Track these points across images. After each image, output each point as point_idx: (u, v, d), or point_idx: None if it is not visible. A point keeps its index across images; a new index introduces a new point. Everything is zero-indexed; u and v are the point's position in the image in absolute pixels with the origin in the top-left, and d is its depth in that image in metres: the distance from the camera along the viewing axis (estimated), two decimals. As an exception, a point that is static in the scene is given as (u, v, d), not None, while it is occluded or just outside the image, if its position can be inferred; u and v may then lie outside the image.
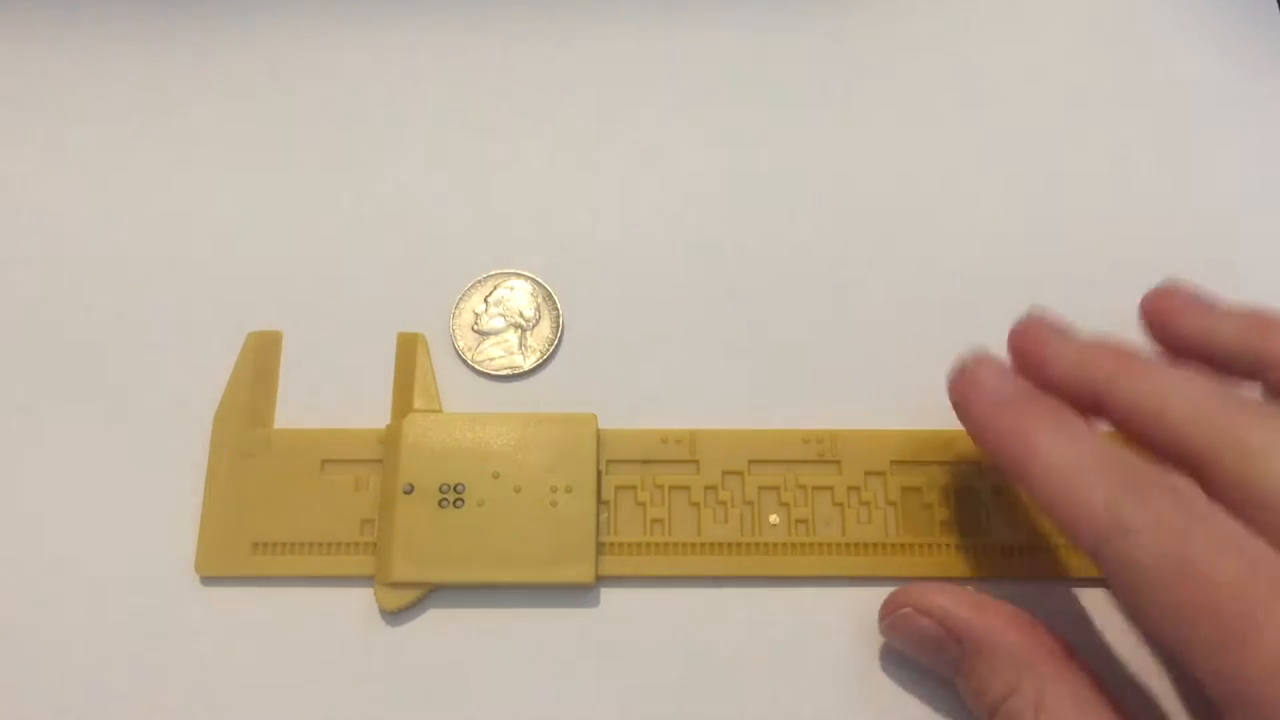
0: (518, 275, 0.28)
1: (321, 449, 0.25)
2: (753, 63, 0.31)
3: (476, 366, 0.27)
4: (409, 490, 0.24)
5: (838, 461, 0.25)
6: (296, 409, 0.26)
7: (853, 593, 0.24)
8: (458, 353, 0.27)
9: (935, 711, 0.23)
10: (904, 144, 0.30)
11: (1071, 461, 0.20)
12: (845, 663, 0.24)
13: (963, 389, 0.22)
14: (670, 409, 0.26)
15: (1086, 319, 0.23)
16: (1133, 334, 0.23)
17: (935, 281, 0.28)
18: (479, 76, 0.30)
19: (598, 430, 0.25)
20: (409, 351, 0.27)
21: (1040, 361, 0.22)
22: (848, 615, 0.24)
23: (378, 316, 0.27)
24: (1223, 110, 0.30)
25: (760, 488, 0.25)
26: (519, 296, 0.28)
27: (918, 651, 0.23)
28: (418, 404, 0.26)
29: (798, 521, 0.25)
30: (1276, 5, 0.32)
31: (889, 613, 0.23)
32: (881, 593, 0.24)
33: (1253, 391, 0.21)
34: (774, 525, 0.25)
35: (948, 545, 0.24)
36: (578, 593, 0.24)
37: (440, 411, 0.26)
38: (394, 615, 0.24)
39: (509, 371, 0.27)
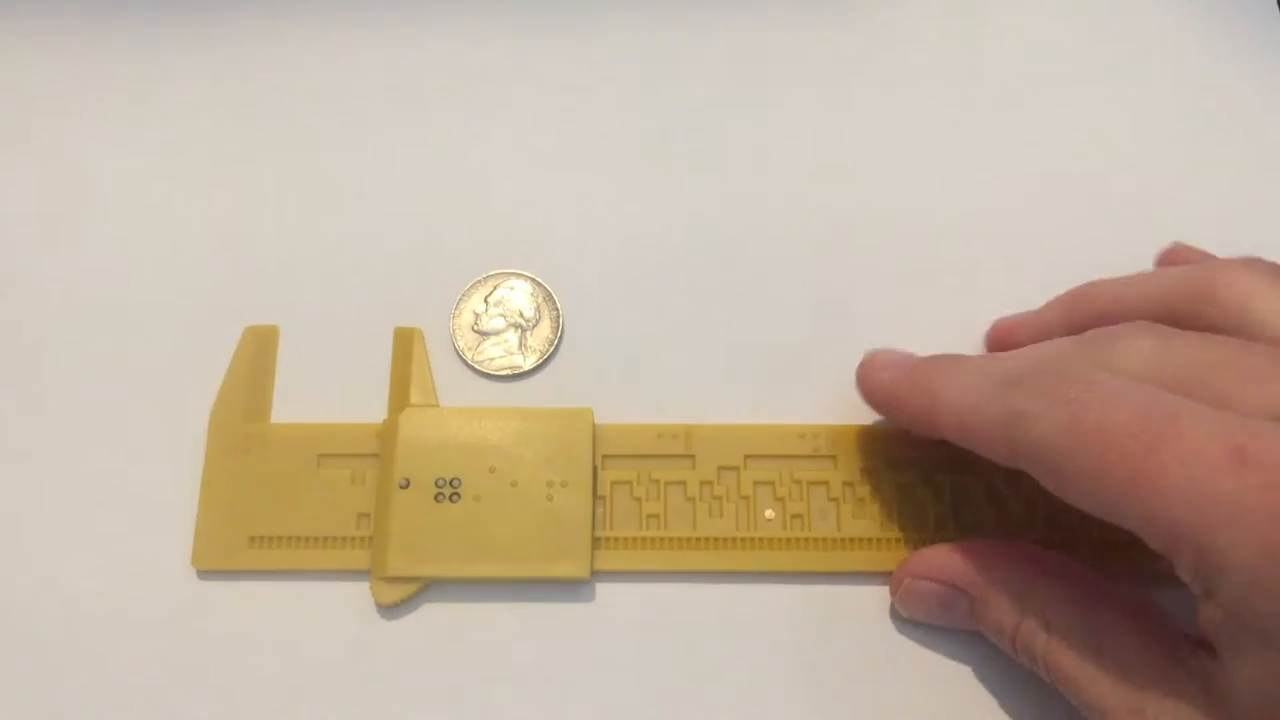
0: (518, 275, 0.28)
1: (318, 444, 0.25)
2: (753, 63, 0.31)
3: (476, 366, 0.27)
4: (405, 485, 0.24)
5: (833, 457, 0.25)
6: (293, 404, 0.26)
7: (848, 589, 0.24)
8: (458, 352, 0.27)
9: (932, 704, 0.23)
10: (904, 144, 0.30)
11: (970, 391, 0.21)
12: (841, 657, 0.24)
13: (864, 375, 0.24)
14: (671, 409, 0.26)
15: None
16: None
17: (933, 279, 0.28)
18: (480, 75, 0.31)
19: (594, 425, 0.25)
20: (406, 346, 0.27)
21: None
22: (843, 610, 0.24)
23: (376, 314, 0.27)
24: (1223, 110, 0.30)
25: (756, 483, 0.25)
26: (519, 296, 0.28)
27: (935, 616, 0.23)
28: (414, 399, 0.26)
29: (793, 516, 0.24)
30: (1277, 5, 0.32)
31: (896, 589, 0.23)
32: (879, 589, 0.24)
33: None
34: (769, 520, 0.24)
35: (943, 540, 0.24)
36: (573, 587, 0.24)
37: (436, 406, 0.26)
38: (390, 609, 0.24)
39: (509, 371, 0.27)
